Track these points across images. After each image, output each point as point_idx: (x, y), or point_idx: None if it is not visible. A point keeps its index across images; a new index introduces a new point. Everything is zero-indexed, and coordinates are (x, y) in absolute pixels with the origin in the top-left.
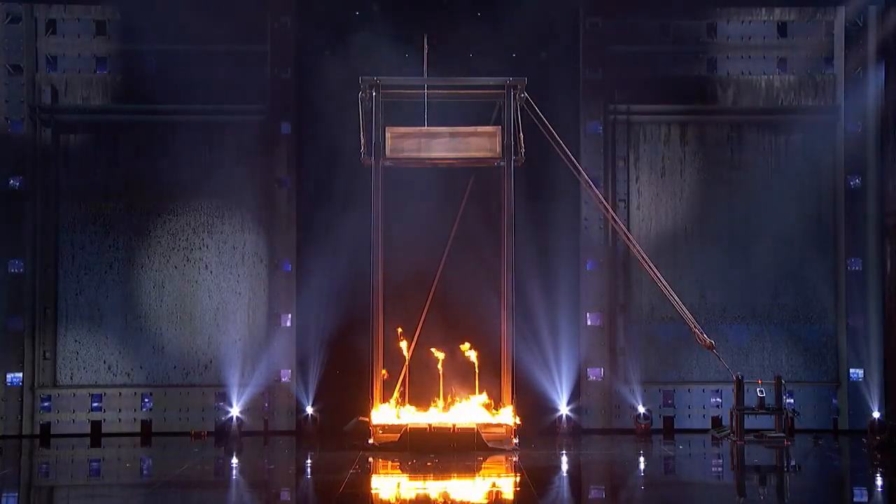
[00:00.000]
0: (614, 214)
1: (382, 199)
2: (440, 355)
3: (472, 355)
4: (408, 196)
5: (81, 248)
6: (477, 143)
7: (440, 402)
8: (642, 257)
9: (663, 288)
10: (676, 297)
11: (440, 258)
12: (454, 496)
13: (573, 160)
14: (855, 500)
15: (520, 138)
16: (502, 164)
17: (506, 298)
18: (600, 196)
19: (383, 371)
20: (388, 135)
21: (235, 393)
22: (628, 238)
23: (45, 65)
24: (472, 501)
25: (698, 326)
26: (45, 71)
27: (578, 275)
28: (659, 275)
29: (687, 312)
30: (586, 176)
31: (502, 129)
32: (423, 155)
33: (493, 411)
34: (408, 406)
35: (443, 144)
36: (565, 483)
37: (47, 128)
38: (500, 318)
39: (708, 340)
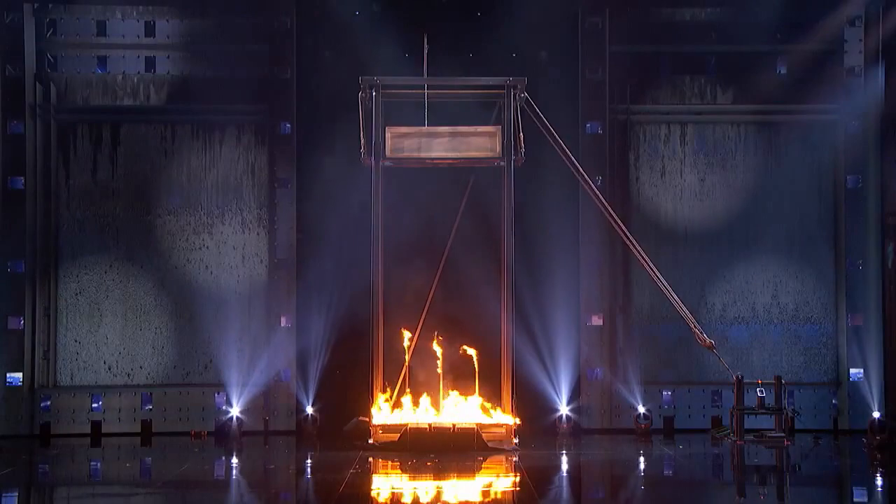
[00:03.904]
0: (613, 214)
1: (382, 199)
2: (438, 351)
3: (473, 355)
4: (408, 196)
5: (81, 248)
6: (477, 142)
7: (433, 400)
8: (642, 257)
9: (663, 288)
10: (676, 297)
11: (440, 257)
12: (454, 496)
13: (573, 160)
14: (855, 500)
15: (520, 138)
16: (502, 163)
17: (506, 298)
18: (600, 196)
19: (385, 392)
20: (388, 135)
21: (235, 393)
22: (627, 238)
23: (45, 65)
24: (472, 501)
25: (698, 326)
26: (45, 71)
27: (578, 275)
28: (659, 275)
29: (687, 312)
30: (586, 176)
31: (502, 129)
32: (424, 155)
33: (492, 411)
34: (407, 405)
35: (443, 144)
36: (565, 483)
37: (47, 128)
38: (500, 318)
39: (708, 340)
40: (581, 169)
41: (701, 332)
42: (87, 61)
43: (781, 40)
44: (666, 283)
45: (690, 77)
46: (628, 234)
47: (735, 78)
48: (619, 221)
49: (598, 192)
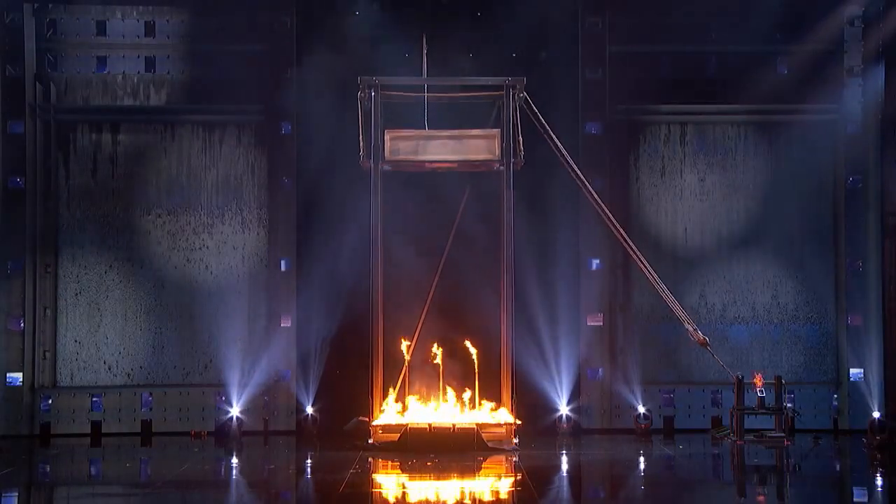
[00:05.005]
0: (610, 215)
1: (382, 200)
2: (438, 352)
3: (473, 355)
4: (407, 196)
5: (81, 248)
6: (476, 146)
7: (437, 402)
8: (638, 257)
9: (657, 286)
10: (671, 295)
11: (440, 258)
12: (454, 496)
13: (570, 162)
14: (855, 500)
15: (519, 141)
16: (502, 167)
17: (505, 298)
18: (597, 198)
19: (387, 392)
20: (387, 137)
21: (235, 393)
22: (625, 240)
23: (45, 65)
24: (472, 501)
25: (692, 323)
26: (45, 70)
27: (579, 275)
28: (655, 274)
29: (682, 310)
30: (582, 177)
31: (501, 129)
32: (422, 158)
33: (492, 411)
34: (408, 405)
35: (442, 147)
36: (565, 483)
37: (47, 128)
38: (500, 318)
39: (702, 337)
40: (577, 170)
41: (695, 330)
42: (87, 61)
43: (781, 40)
44: (661, 282)
45: (690, 77)
46: (624, 235)
47: (735, 78)
48: (616, 223)
49: (594, 192)
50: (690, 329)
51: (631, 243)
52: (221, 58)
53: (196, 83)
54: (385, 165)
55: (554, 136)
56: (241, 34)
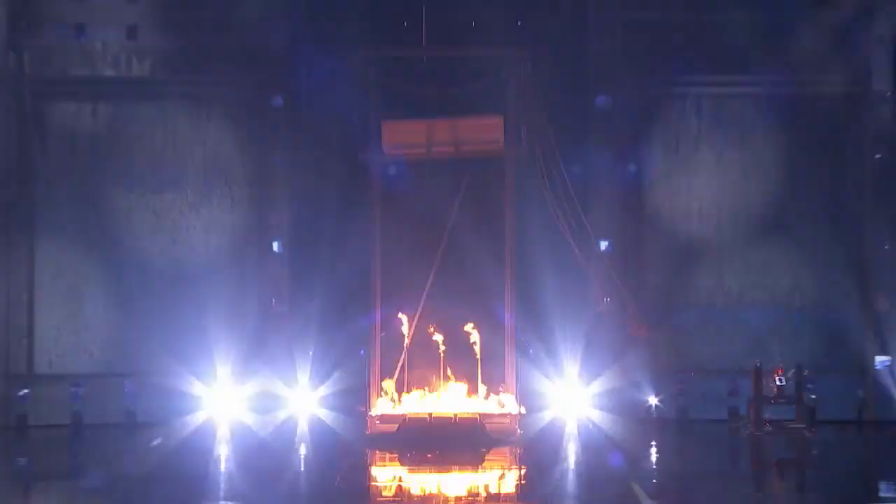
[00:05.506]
0: (575, 205)
1: (382, 186)
2: (440, 338)
3: (476, 340)
4: (408, 178)
5: (60, 228)
6: (478, 133)
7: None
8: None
9: (608, 275)
10: (622, 284)
11: (442, 241)
12: (454, 488)
13: (556, 165)
14: (881, 494)
15: (522, 130)
16: (504, 148)
17: (508, 289)
18: (574, 204)
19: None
20: (384, 129)
21: (227, 380)
22: (562, 227)
23: (19, 32)
24: (473, 492)
25: (638, 315)
26: (25, 40)
27: (588, 258)
28: (613, 269)
29: (631, 301)
30: (563, 171)
31: (505, 109)
32: (423, 150)
33: (496, 402)
34: (407, 394)
35: (442, 136)
36: (569, 474)
37: (26, 99)
38: (504, 309)
39: (641, 327)
40: (553, 160)
41: (635, 320)
42: (65, 29)
43: (805, 8)
44: (617, 276)
45: (707, 47)
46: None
47: (757, 49)
48: (569, 230)
49: (547, 188)
50: (631, 321)
51: (587, 259)
52: (209, 26)
53: (182, 52)
54: (385, 158)
55: (549, 140)
56: (230, 1)
